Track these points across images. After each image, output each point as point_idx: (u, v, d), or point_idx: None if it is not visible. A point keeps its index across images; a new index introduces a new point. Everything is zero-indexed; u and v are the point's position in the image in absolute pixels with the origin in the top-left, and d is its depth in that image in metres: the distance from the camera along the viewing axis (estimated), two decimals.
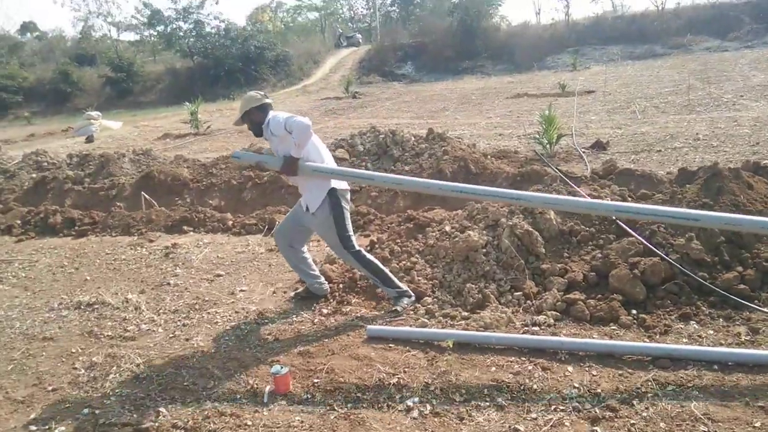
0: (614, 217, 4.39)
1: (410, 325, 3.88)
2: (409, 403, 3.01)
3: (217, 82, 34.56)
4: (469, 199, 5.01)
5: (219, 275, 5.32)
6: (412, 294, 4.23)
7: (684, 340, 3.45)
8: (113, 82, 36.46)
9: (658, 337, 3.49)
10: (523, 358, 3.34)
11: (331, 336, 3.84)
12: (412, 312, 4.08)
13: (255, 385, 3.30)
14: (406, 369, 3.33)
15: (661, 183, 6.01)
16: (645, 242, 4.22)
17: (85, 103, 31.52)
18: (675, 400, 2.85)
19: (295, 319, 4.20)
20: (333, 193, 4.01)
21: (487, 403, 2.96)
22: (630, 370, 3.13)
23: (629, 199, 5.40)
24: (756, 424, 2.60)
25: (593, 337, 3.54)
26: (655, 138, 9.59)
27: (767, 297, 3.76)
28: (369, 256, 4.24)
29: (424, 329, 3.78)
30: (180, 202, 7.93)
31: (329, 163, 4.12)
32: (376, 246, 5.18)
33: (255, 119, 4.06)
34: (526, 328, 3.71)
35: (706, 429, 2.61)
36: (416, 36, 37.69)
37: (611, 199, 5.16)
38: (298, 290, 4.60)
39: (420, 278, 4.48)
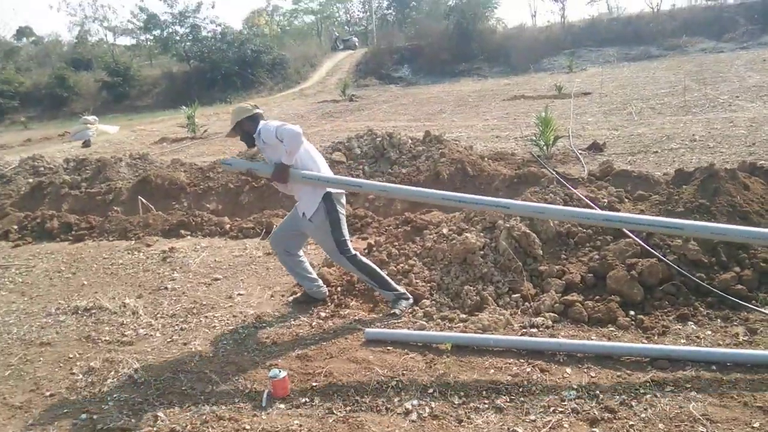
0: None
1: (408, 328, 3.88)
2: (408, 405, 3.01)
3: (214, 85, 34.57)
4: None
5: (216, 279, 5.31)
6: (410, 296, 4.24)
7: (682, 340, 3.45)
8: (110, 86, 36.44)
9: (656, 338, 3.50)
10: (522, 360, 3.34)
11: (330, 339, 3.83)
12: (410, 315, 4.08)
13: (253, 389, 3.29)
14: (404, 372, 3.32)
15: (657, 184, 6.02)
16: (642, 243, 4.23)
17: (81, 107, 31.48)
18: (673, 401, 2.85)
19: (293, 322, 4.19)
20: (328, 198, 4.02)
21: (486, 405, 2.96)
22: (628, 371, 3.13)
23: (626, 200, 5.41)
24: (755, 425, 2.60)
25: (591, 339, 3.55)
26: (652, 139, 9.61)
27: (765, 297, 3.77)
28: (365, 259, 4.24)
29: (422, 332, 3.78)
30: (177, 206, 7.92)
31: (323, 168, 4.14)
32: (374, 249, 5.18)
33: (246, 130, 4.13)
34: (525, 330, 3.71)
35: (704, 430, 2.61)
36: (413, 39, 37.75)
37: (608, 200, 5.17)
38: (297, 295, 4.60)
39: (418, 281, 4.48)
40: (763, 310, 3.64)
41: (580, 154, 8.90)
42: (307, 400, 3.15)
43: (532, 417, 2.83)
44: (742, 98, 12.93)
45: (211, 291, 5.04)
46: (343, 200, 4.21)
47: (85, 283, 5.55)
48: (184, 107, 18.36)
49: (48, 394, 3.48)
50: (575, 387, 3.03)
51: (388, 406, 3.03)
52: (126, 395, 3.36)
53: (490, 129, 12.76)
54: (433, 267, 4.62)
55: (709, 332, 3.51)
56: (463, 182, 7.13)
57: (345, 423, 2.91)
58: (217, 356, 3.76)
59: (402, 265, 4.74)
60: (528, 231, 4.47)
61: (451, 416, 2.90)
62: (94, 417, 3.16)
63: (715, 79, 16.82)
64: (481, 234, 4.61)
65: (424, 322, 3.94)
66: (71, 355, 3.97)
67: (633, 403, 2.85)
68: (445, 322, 3.91)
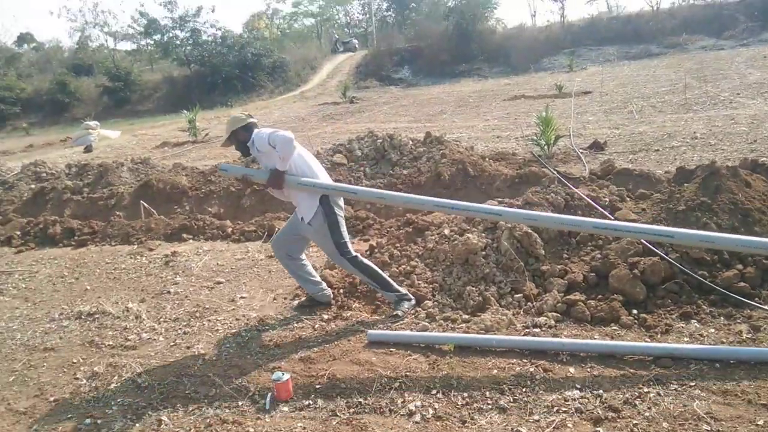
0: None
1: (411, 329, 3.88)
2: (411, 407, 3.00)
3: (215, 89, 34.62)
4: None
5: (219, 282, 5.32)
6: (412, 297, 4.24)
7: (685, 339, 3.45)
8: (111, 91, 36.52)
9: (659, 336, 3.49)
10: (525, 360, 3.33)
11: (332, 341, 3.83)
12: (412, 316, 4.08)
13: (256, 392, 3.29)
14: (407, 373, 3.32)
15: (659, 182, 6.02)
16: (644, 242, 4.23)
17: (82, 113, 31.55)
18: (677, 399, 2.84)
19: (295, 325, 4.19)
20: (325, 201, 4.04)
21: (489, 406, 2.96)
22: (632, 370, 3.13)
23: (628, 199, 5.41)
24: (759, 422, 2.60)
25: (594, 338, 3.54)
26: (653, 137, 9.61)
27: None
28: (366, 261, 4.25)
29: (424, 333, 3.78)
30: (179, 210, 7.94)
31: (319, 172, 4.15)
32: (376, 250, 5.18)
33: (241, 139, 4.17)
34: (527, 330, 3.71)
35: (708, 428, 2.61)
36: (412, 40, 37.76)
37: (609, 199, 5.17)
38: (302, 300, 4.59)
39: (420, 282, 4.48)
40: (766, 307, 3.64)
41: (581, 153, 8.90)
42: (311, 402, 3.15)
43: (536, 417, 2.83)
44: (743, 95, 12.92)
45: (214, 294, 5.04)
46: (341, 202, 4.22)
47: (88, 288, 5.56)
48: (185, 111, 18.41)
49: (52, 399, 3.49)
50: (579, 386, 3.03)
51: (392, 407, 3.03)
52: (130, 399, 3.37)
53: (490, 129, 12.76)
54: (435, 268, 4.62)
55: (713, 330, 3.51)
56: (464, 183, 7.14)
57: (348, 425, 2.91)
58: (220, 359, 3.77)
59: (404, 266, 4.74)
60: (530, 231, 4.47)
61: (454, 417, 2.90)
62: (98, 422, 3.16)
63: (715, 77, 16.80)
64: (483, 234, 4.61)
65: (427, 323, 3.94)
66: (75, 360, 3.98)
67: (637, 402, 2.85)
68: (447, 323, 3.91)
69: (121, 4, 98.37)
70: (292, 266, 4.40)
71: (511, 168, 7.68)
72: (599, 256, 4.30)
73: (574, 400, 2.92)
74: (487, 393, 3.06)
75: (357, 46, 44.16)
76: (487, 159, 8.09)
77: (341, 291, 4.65)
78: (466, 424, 2.84)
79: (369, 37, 48.80)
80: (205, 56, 36.88)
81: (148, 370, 3.71)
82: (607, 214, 4.85)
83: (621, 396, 2.91)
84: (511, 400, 2.99)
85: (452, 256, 4.53)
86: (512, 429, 2.76)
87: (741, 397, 2.80)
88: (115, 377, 3.66)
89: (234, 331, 4.21)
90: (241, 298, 4.88)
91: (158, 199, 8.11)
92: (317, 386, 3.29)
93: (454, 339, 3.59)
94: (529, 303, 4.04)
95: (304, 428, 2.93)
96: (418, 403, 3.03)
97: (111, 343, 4.21)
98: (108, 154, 15.81)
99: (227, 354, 3.84)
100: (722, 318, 3.62)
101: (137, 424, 3.10)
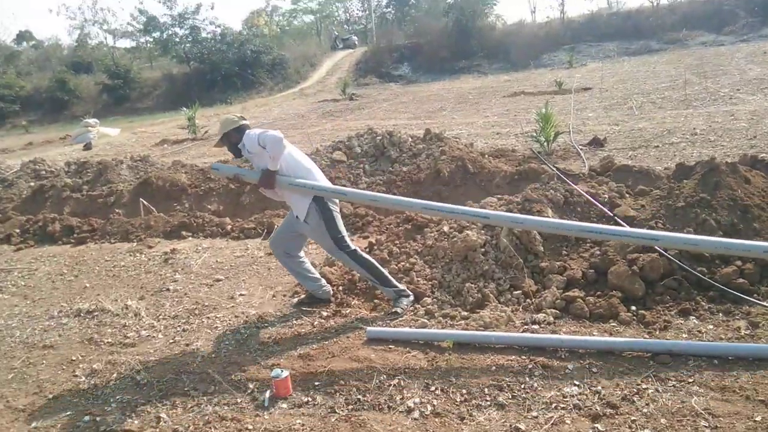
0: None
1: (410, 326, 3.88)
2: (410, 403, 3.01)
3: (214, 87, 34.62)
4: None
5: (218, 280, 5.32)
6: (411, 294, 4.24)
7: (684, 335, 3.45)
8: (110, 89, 36.51)
9: (657, 332, 3.49)
10: (524, 357, 3.34)
11: (331, 338, 3.84)
12: (411, 313, 4.08)
13: (255, 389, 3.30)
14: (406, 370, 3.33)
15: (658, 178, 6.01)
16: None
17: (82, 110, 31.54)
18: (675, 395, 2.84)
19: (294, 322, 4.20)
20: (318, 198, 4.05)
21: (488, 403, 2.96)
22: (630, 367, 3.13)
23: (627, 195, 5.41)
24: (757, 418, 2.60)
25: (593, 335, 3.54)
26: (653, 134, 9.60)
27: (766, 291, 3.76)
28: (365, 255, 4.26)
29: (423, 330, 3.78)
30: (178, 207, 7.93)
31: (312, 169, 4.16)
32: (375, 247, 5.18)
33: (233, 140, 4.20)
34: (526, 327, 3.71)
35: (707, 424, 2.61)
36: (412, 37, 37.74)
37: (609, 196, 5.17)
38: (301, 297, 4.59)
39: (419, 279, 4.47)
40: (765, 303, 3.63)
41: (581, 149, 8.89)
42: (310, 399, 3.16)
43: (534, 413, 2.83)
44: (742, 91, 12.90)
45: (213, 292, 5.04)
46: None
47: (87, 285, 5.57)
48: (184, 109, 18.40)
49: (51, 396, 3.49)
50: (577, 383, 3.03)
51: (391, 404, 3.03)
52: (129, 397, 3.37)
53: (490, 126, 12.75)
54: (434, 265, 4.62)
55: (711, 326, 3.51)
56: (463, 180, 7.13)
57: (347, 422, 2.91)
58: (220, 357, 3.77)
59: (403, 263, 4.74)
60: None
61: (453, 413, 2.90)
62: (97, 419, 3.16)
63: (715, 73, 16.79)
64: (482, 231, 4.61)
65: (426, 320, 3.94)
66: (74, 358, 3.98)
67: (635, 398, 2.85)
68: (446, 320, 3.91)
69: (120, 2, 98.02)
70: (291, 264, 4.40)
71: (510, 165, 7.67)
72: (598, 252, 4.30)
73: (573, 396, 2.93)
74: (486, 389, 3.06)
75: (356, 42, 44.11)
76: (486, 156, 8.08)
77: (340, 288, 4.65)
78: (464, 421, 2.84)
79: (368, 34, 48.72)
80: (205, 53, 36.87)
81: (147, 367, 3.71)
82: (606, 210, 4.85)
83: (619, 392, 2.91)
84: (510, 397, 2.99)
85: (451, 253, 4.53)
86: (511, 425, 2.76)
87: (739, 393, 2.80)
88: (114, 374, 3.66)
89: (233, 328, 4.22)
90: (241, 295, 4.89)
91: (157, 196, 8.11)
92: (316, 383, 3.29)
93: (452, 336, 3.59)
94: (527, 300, 4.04)
95: (303, 425, 2.93)
96: (417, 400, 3.03)
97: (110, 340, 4.21)
98: (107, 151, 15.80)
99: (226, 351, 3.84)
100: (721, 314, 3.62)
101: (136, 422, 3.10)
